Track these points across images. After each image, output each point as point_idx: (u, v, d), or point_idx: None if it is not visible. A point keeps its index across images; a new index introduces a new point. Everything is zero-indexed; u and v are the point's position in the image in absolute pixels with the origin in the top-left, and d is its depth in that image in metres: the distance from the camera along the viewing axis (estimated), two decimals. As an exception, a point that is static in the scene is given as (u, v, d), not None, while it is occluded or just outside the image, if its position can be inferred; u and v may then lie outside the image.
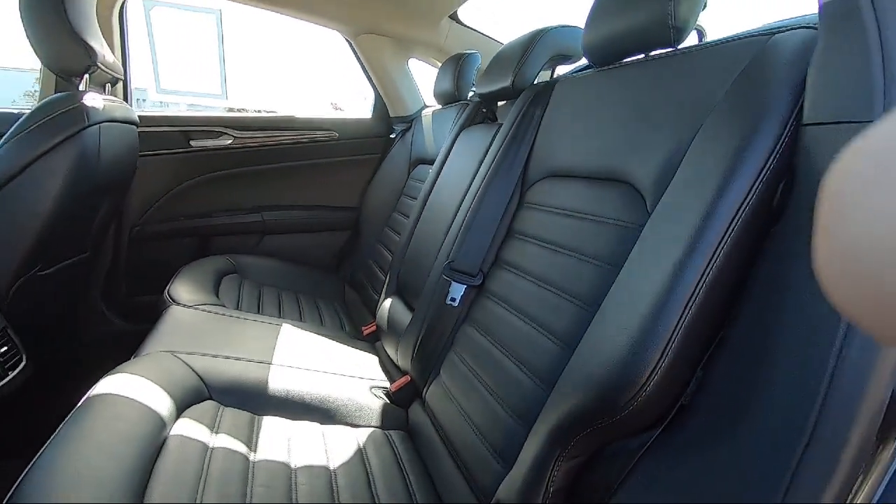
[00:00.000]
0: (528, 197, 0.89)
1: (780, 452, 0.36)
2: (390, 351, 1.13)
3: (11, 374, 0.94)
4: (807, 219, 0.41)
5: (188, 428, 0.71)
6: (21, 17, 1.05)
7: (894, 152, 0.12)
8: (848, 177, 0.12)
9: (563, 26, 1.06)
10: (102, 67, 1.16)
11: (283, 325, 1.18)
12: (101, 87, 1.31)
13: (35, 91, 1.57)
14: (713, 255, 0.44)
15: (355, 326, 1.46)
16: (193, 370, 0.84)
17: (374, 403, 0.95)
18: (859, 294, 0.11)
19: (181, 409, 0.75)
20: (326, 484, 0.71)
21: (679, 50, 0.66)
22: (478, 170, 1.05)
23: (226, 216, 1.79)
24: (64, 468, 0.54)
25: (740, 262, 0.45)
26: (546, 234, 0.79)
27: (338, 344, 1.19)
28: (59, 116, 1.02)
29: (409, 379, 1.00)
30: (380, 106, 1.96)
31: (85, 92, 1.11)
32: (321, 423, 0.86)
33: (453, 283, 0.92)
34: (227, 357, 0.93)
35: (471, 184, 1.05)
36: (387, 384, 1.04)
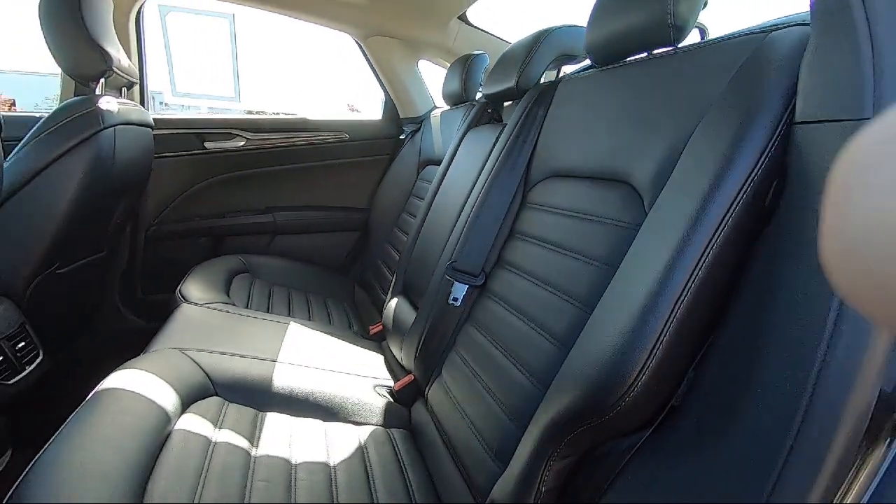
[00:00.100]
0: (531, 197, 0.89)
1: (767, 453, 0.36)
2: (395, 350, 1.14)
3: (29, 369, 0.97)
4: (798, 219, 0.40)
5: (192, 423, 0.73)
6: (40, 23, 1.09)
7: None
8: (854, 167, 0.13)
9: (568, 26, 1.05)
10: (118, 72, 1.20)
11: (291, 323, 1.19)
12: (117, 91, 1.34)
13: (56, 95, 1.62)
14: (702, 256, 0.44)
15: (363, 326, 1.48)
16: (200, 366, 0.86)
17: (377, 402, 0.96)
18: (864, 283, 0.12)
19: (186, 404, 0.77)
20: (326, 480, 0.72)
21: (679, 49, 0.66)
22: (482, 170, 1.05)
23: (238, 216, 1.83)
24: (69, 460, 0.56)
25: (731, 263, 0.45)
26: (546, 235, 0.79)
27: (344, 343, 1.20)
28: (76, 120, 1.05)
29: (413, 378, 1.00)
30: (390, 107, 1.98)
31: (101, 96, 1.14)
32: (324, 421, 0.87)
33: (455, 283, 0.92)
34: (234, 354, 0.94)
35: (474, 184, 1.05)
36: (391, 383, 1.05)
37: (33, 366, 0.99)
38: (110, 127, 1.11)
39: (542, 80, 1.08)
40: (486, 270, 0.91)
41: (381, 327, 1.32)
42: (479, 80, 1.47)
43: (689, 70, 0.61)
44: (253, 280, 1.55)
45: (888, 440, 0.35)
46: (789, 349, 0.37)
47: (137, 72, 1.51)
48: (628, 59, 0.76)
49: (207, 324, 1.09)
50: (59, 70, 1.33)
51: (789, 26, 0.49)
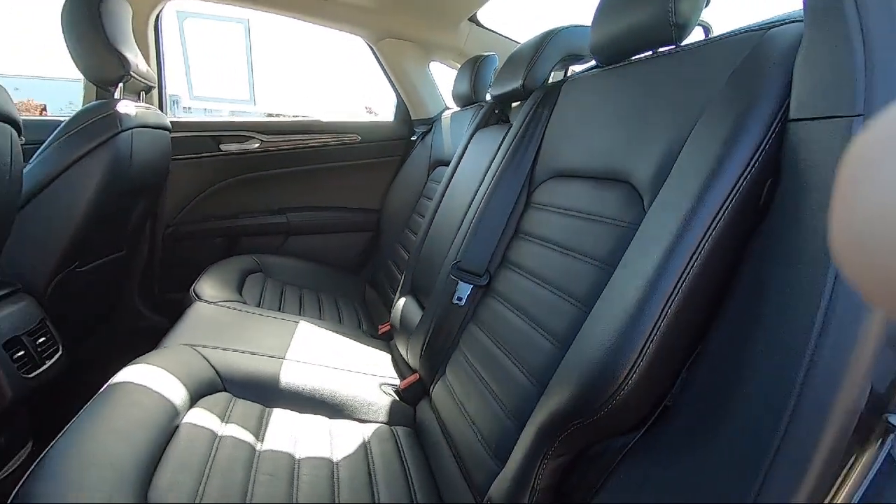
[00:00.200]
0: (535, 197, 0.89)
1: (755, 453, 0.36)
2: (401, 349, 1.15)
3: (48, 363, 1.01)
4: (789, 218, 0.40)
5: (200, 417, 0.75)
6: (62, 30, 1.13)
7: None
8: (861, 161, 0.13)
9: (575, 26, 1.05)
10: (136, 76, 1.24)
11: (301, 322, 1.21)
12: (135, 95, 1.38)
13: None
14: (692, 256, 0.44)
15: (373, 325, 1.49)
16: (209, 363, 0.88)
17: (382, 400, 0.97)
18: (870, 273, 0.12)
19: (195, 398, 0.79)
20: (328, 475, 0.73)
21: (681, 47, 0.65)
22: (488, 170, 1.06)
23: (252, 217, 1.86)
24: (79, 451, 0.58)
25: (724, 263, 0.44)
26: (549, 235, 0.79)
27: (352, 341, 1.21)
28: (94, 123, 1.09)
29: (418, 377, 1.01)
30: (402, 109, 1.99)
31: (119, 100, 1.18)
32: (329, 417, 0.88)
33: (460, 282, 0.93)
34: (243, 351, 0.97)
35: (480, 184, 1.06)
36: (397, 381, 1.06)
37: (53, 360, 1.03)
38: (127, 130, 1.15)
39: (550, 80, 1.08)
40: (490, 270, 0.92)
41: (389, 327, 1.34)
42: (489, 81, 1.47)
43: (689, 68, 0.61)
44: (265, 279, 1.58)
45: (880, 440, 0.35)
46: (778, 349, 0.37)
47: (155, 76, 1.55)
48: (631, 59, 0.76)
49: (219, 321, 1.11)
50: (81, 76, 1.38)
51: (788, 23, 0.49)
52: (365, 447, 0.82)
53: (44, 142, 1.09)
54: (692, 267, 0.44)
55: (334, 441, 0.81)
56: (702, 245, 0.43)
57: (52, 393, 1.05)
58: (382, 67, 1.89)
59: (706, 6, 0.66)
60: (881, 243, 0.12)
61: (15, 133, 0.71)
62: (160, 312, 1.75)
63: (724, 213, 0.43)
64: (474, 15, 1.68)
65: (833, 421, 0.33)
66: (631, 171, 0.64)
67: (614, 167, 0.68)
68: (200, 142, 1.76)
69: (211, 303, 1.22)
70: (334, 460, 0.77)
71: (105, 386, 0.73)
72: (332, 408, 0.91)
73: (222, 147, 1.79)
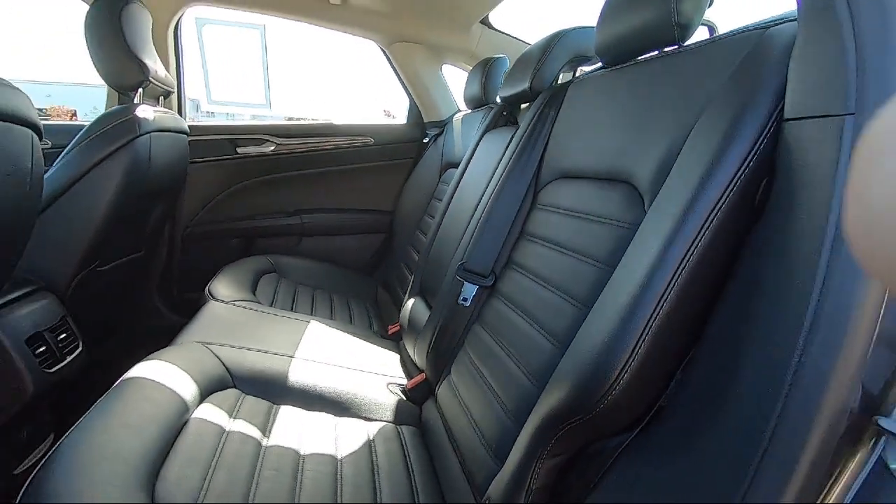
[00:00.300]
0: (541, 198, 0.90)
1: (744, 453, 0.35)
2: (409, 349, 1.15)
3: (69, 359, 1.05)
4: (782, 217, 0.39)
5: (209, 412, 0.77)
6: (85, 37, 1.18)
7: None
8: (871, 151, 0.14)
9: (583, 27, 1.05)
10: (154, 82, 1.27)
11: (311, 321, 1.23)
12: (154, 100, 1.42)
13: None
14: (684, 257, 0.43)
15: (384, 326, 1.50)
16: (220, 360, 0.91)
17: (389, 399, 0.98)
18: (881, 256, 0.13)
19: (205, 394, 0.81)
20: (332, 472, 0.74)
21: (683, 47, 0.65)
22: (495, 172, 1.06)
23: (268, 219, 1.90)
24: (91, 443, 0.60)
25: (717, 263, 0.44)
26: (553, 236, 0.79)
27: (362, 341, 1.23)
28: (114, 127, 1.12)
29: (425, 377, 1.02)
30: (414, 111, 2.01)
31: (138, 105, 1.22)
32: (335, 415, 0.90)
33: (466, 283, 0.93)
34: (253, 349, 0.99)
35: (487, 186, 1.06)
36: (404, 381, 1.07)
37: (73, 356, 1.06)
38: (146, 134, 1.19)
39: (559, 82, 1.08)
40: (495, 271, 0.92)
41: (399, 327, 1.35)
42: (499, 83, 1.48)
43: (691, 68, 0.61)
44: (279, 280, 1.61)
45: (872, 441, 0.34)
46: (769, 348, 0.37)
47: (174, 81, 1.60)
48: (636, 59, 0.76)
49: (231, 320, 1.14)
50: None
51: (787, 22, 0.48)
52: (369, 445, 0.83)
53: (64, 147, 1.13)
54: (684, 268, 0.43)
55: (339, 438, 0.83)
56: (694, 246, 0.43)
57: (72, 388, 1.09)
58: (395, 70, 1.91)
59: (709, 6, 0.66)
60: (892, 232, 0.12)
61: (36, 137, 0.74)
62: (178, 312, 1.80)
63: (718, 213, 0.43)
64: (486, 17, 1.69)
65: (821, 421, 0.32)
66: (633, 171, 0.64)
67: (616, 168, 0.68)
68: (218, 145, 1.80)
69: (224, 302, 1.25)
70: (338, 457, 0.78)
71: (118, 381, 0.75)
72: (338, 406, 0.92)
73: (239, 150, 1.83)
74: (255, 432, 0.77)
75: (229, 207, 1.85)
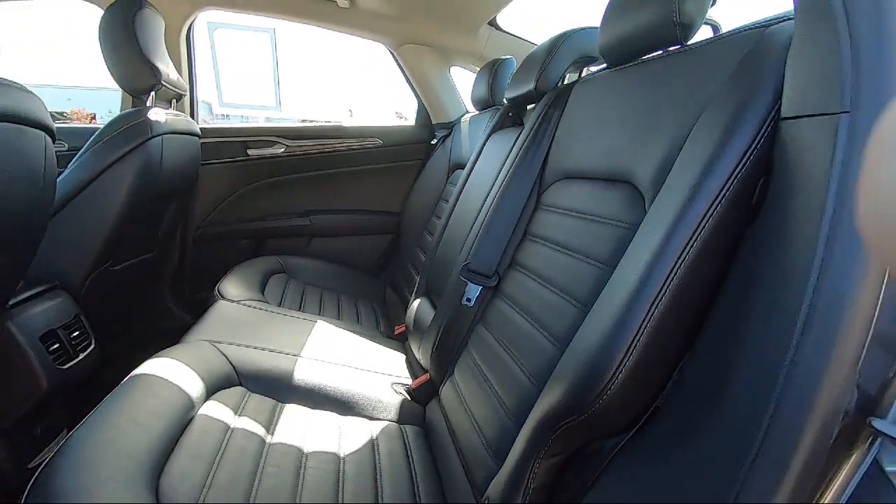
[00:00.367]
0: (544, 199, 0.89)
1: (737, 454, 0.35)
2: (414, 349, 1.16)
3: (81, 356, 1.07)
4: (778, 217, 0.39)
5: (214, 409, 0.78)
6: (99, 42, 1.21)
7: None
8: (882, 145, 0.14)
9: (589, 28, 1.05)
10: (167, 85, 1.30)
11: (318, 321, 1.25)
12: (166, 103, 1.45)
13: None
14: (679, 258, 0.43)
15: (391, 326, 1.51)
16: (227, 358, 0.92)
17: (393, 399, 0.98)
18: (890, 243, 0.14)
19: (211, 392, 0.82)
20: (334, 470, 0.75)
21: (686, 46, 0.65)
22: (500, 173, 1.06)
23: (278, 220, 1.92)
24: (98, 438, 0.61)
25: (713, 264, 0.44)
26: (556, 236, 0.79)
27: (368, 341, 1.24)
28: (127, 130, 1.15)
29: (429, 377, 1.02)
30: (423, 113, 2.02)
31: (150, 108, 1.24)
32: (340, 414, 0.91)
33: (469, 284, 0.93)
34: (260, 348, 1.00)
35: (492, 186, 1.06)
36: (409, 381, 1.08)
37: (86, 353, 1.09)
38: (157, 136, 1.21)
39: (565, 82, 1.08)
40: (499, 272, 0.92)
41: (405, 327, 1.35)
42: (506, 84, 1.48)
43: (693, 67, 0.60)
44: (288, 280, 1.63)
45: (869, 441, 0.34)
46: (763, 348, 0.36)
47: (186, 85, 1.63)
48: (639, 59, 0.75)
49: (239, 319, 1.15)
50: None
51: (790, 19, 0.48)
52: (372, 444, 0.84)
53: (78, 149, 1.16)
54: (679, 268, 0.43)
55: (343, 437, 0.83)
56: (689, 246, 0.43)
57: (85, 385, 1.12)
58: (403, 73, 1.92)
59: (713, 5, 0.65)
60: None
61: (49, 139, 0.76)
62: (190, 311, 1.82)
63: (714, 213, 0.43)
64: (494, 19, 1.69)
65: (814, 420, 0.32)
66: (634, 171, 0.64)
67: (618, 168, 0.68)
68: (229, 147, 1.83)
69: (233, 301, 1.27)
70: (341, 455, 0.79)
71: (127, 378, 0.77)
72: (343, 405, 0.93)
73: (250, 152, 1.86)
74: (259, 429, 0.78)
75: (240, 208, 1.88)
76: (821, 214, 0.34)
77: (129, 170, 1.15)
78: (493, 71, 1.49)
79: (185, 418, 0.73)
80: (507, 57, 1.50)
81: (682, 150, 0.53)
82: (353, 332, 1.27)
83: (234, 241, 1.90)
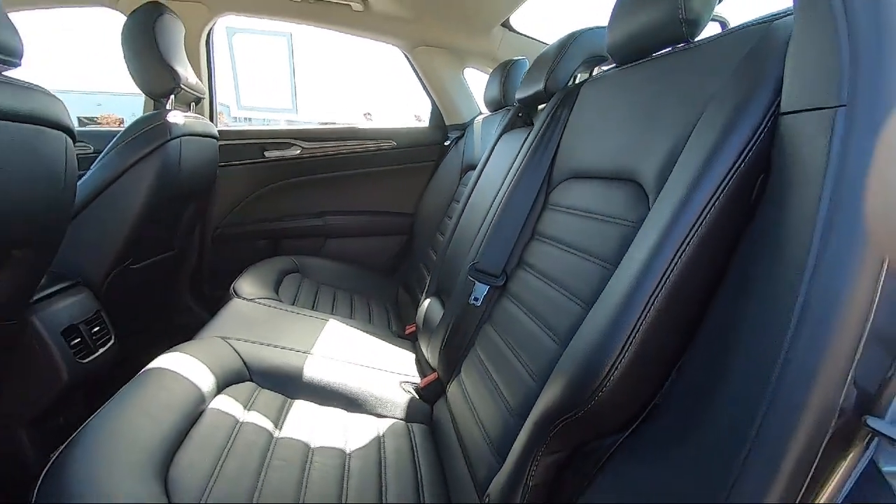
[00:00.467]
0: (552, 198, 0.89)
1: (730, 453, 0.35)
2: (423, 348, 1.16)
3: (101, 350, 1.10)
4: (775, 213, 0.38)
5: (224, 403, 0.80)
6: (122, 47, 1.25)
7: None
8: (891, 144, 0.15)
9: (599, 27, 1.04)
10: (186, 88, 1.34)
11: (330, 320, 1.26)
12: (186, 106, 1.49)
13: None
14: (676, 255, 0.43)
15: (402, 326, 1.52)
16: (238, 354, 0.94)
17: (401, 397, 0.99)
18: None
19: (222, 386, 0.84)
20: (339, 465, 0.76)
21: (692, 43, 0.64)
22: (509, 172, 1.06)
23: (293, 220, 1.95)
24: (110, 429, 0.63)
25: (711, 261, 0.43)
26: (562, 236, 0.78)
27: (379, 340, 1.25)
28: (146, 132, 1.19)
29: (437, 376, 1.03)
30: (436, 115, 2.03)
31: (170, 110, 1.28)
32: (347, 411, 0.92)
33: (477, 283, 0.94)
34: (271, 345, 1.02)
35: (501, 186, 1.06)
36: (418, 380, 1.08)
37: (105, 348, 1.12)
38: (176, 138, 1.24)
39: (576, 82, 1.08)
40: (507, 271, 0.92)
41: (415, 327, 1.36)
42: (518, 85, 1.48)
43: (699, 64, 0.60)
44: (302, 280, 1.65)
45: (866, 441, 0.33)
46: (758, 345, 0.36)
47: (206, 88, 1.67)
48: (646, 57, 0.75)
49: (252, 317, 1.18)
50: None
51: (791, 14, 0.47)
52: (379, 441, 0.85)
53: (100, 151, 1.20)
54: (675, 265, 0.43)
55: (349, 433, 0.84)
56: (686, 243, 0.43)
57: (105, 379, 1.15)
58: (418, 75, 1.94)
59: (720, 2, 0.64)
60: None
61: (70, 141, 0.79)
62: (209, 309, 1.86)
63: (711, 209, 0.42)
64: (507, 20, 1.69)
65: (807, 418, 0.31)
66: (638, 169, 0.63)
67: (623, 166, 0.67)
68: (246, 149, 1.87)
69: (248, 300, 1.29)
70: (347, 451, 0.80)
71: (141, 371, 0.79)
72: (350, 402, 0.94)
73: (266, 154, 1.89)
74: (267, 424, 0.79)
75: (257, 209, 1.92)
76: (817, 208, 0.33)
77: (148, 171, 1.18)
78: (505, 72, 1.49)
79: (195, 411, 0.75)
80: (520, 58, 1.50)
81: (685, 147, 0.52)
82: (364, 331, 1.28)
83: (251, 241, 1.93)
